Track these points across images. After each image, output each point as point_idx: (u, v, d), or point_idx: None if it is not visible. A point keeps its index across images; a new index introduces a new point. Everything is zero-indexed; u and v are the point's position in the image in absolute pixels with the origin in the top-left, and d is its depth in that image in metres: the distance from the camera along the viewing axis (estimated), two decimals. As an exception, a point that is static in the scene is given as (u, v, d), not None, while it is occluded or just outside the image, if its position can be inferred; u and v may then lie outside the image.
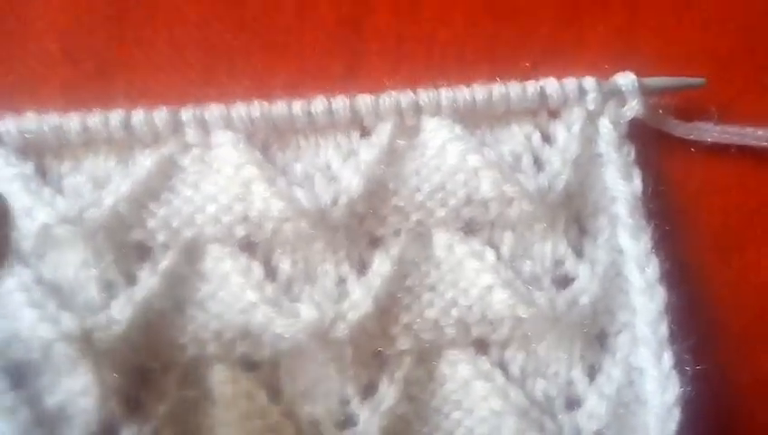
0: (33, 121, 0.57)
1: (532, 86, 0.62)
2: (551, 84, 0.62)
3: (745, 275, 0.63)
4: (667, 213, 0.62)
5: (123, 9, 0.64)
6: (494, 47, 0.66)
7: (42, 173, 0.58)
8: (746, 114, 0.64)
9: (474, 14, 0.66)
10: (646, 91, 0.63)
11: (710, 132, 0.64)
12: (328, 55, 0.64)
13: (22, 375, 0.55)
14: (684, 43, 0.66)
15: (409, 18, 0.66)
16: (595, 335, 0.61)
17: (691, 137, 0.64)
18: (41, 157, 0.59)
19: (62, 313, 0.54)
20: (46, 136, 0.58)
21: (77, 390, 0.54)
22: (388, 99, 0.60)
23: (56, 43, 0.63)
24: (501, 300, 0.58)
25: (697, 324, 0.59)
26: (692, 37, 0.66)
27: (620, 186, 0.61)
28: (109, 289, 0.56)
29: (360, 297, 0.56)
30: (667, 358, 0.57)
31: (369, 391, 0.57)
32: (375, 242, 0.60)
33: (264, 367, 0.57)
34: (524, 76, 0.62)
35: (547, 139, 0.63)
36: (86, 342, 0.53)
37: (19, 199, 0.56)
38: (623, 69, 0.63)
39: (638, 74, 0.62)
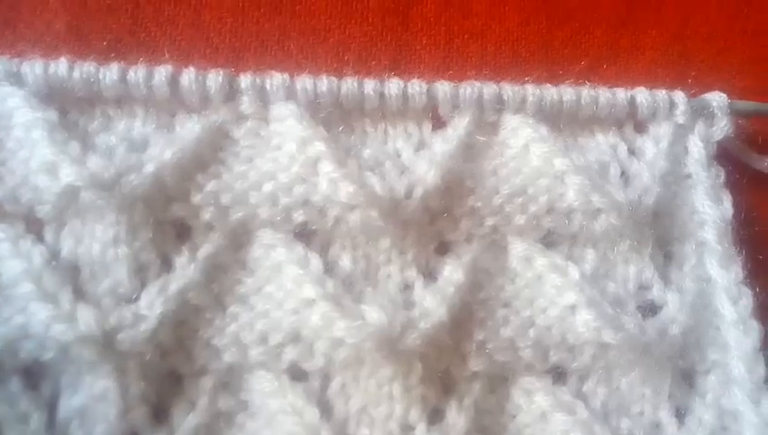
0: (64, 66, 0.56)
1: (622, 92, 0.64)
2: (641, 93, 0.65)
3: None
4: (759, 241, 0.65)
5: None
6: (549, 46, 0.70)
7: (66, 127, 0.55)
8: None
9: (527, 12, 0.70)
10: (734, 113, 0.67)
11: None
12: (372, 46, 0.66)
13: (35, 376, 0.51)
14: (735, 51, 0.71)
15: (460, 11, 0.69)
16: (683, 373, 0.61)
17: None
18: (66, 110, 0.57)
19: (80, 307, 0.51)
20: (75, 86, 0.56)
21: (96, 395, 0.51)
22: (470, 89, 0.61)
23: (63, 19, 0.62)
24: (585, 322, 0.58)
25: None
26: (742, 45, 0.71)
27: (709, 208, 0.63)
28: (140, 274, 0.54)
29: (433, 305, 0.56)
30: (767, 400, 0.58)
31: (435, 416, 0.55)
32: (445, 247, 0.60)
33: (313, 379, 0.55)
34: (580, 78, 0.66)
35: (633, 152, 0.65)
36: (108, 344, 0.51)
37: (39, 151, 0.53)
38: (677, 75, 0.68)
39: (693, 84, 0.66)
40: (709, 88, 0.68)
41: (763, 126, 0.70)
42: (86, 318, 0.50)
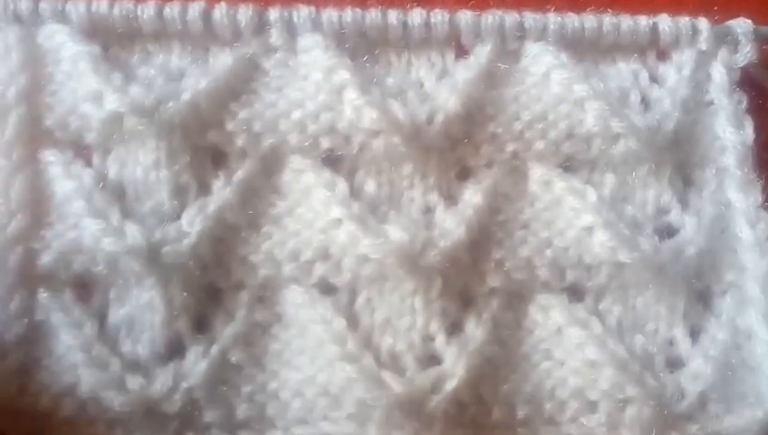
0: (105, 4, 0.61)
1: (644, 20, 0.66)
2: (663, 20, 0.66)
3: None
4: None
5: None
6: None
7: (108, 60, 0.60)
8: None
9: None
10: (758, 39, 0.67)
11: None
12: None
13: (86, 287, 0.57)
14: None
15: None
16: (699, 294, 0.64)
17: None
18: (108, 45, 0.61)
19: (128, 223, 0.57)
20: (116, 22, 0.61)
21: (143, 305, 0.57)
22: (491, 18, 0.64)
23: None
24: (601, 242, 0.61)
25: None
26: None
27: (731, 134, 0.65)
28: (180, 195, 0.59)
29: (452, 226, 0.59)
30: (781, 319, 0.61)
31: (454, 329, 0.60)
32: (466, 172, 0.64)
33: (341, 293, 0.60)
34: (602, 6, 0.66)
35: (655, 79, 0.67)
36: (153, 256, 0.56)
37: (85, 82, 0.58)
38: (703, 2, 0.68)
39: (720, 12, 0.67)
40: (735, 15, 0.68)
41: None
42: (133, 232, 0.56)
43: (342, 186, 0.60)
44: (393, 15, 0.64)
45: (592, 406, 0.60)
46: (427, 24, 0.63)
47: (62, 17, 0.61)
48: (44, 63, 0.60)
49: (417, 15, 0.64)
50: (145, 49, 0.62)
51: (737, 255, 0.64)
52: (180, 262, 0.57)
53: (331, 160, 0.62)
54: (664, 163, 0.65)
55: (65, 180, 0.58)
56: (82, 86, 0.58)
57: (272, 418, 0.59)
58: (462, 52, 0.66)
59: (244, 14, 0.62)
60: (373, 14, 0.63)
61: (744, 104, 0.67)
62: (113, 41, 0.62)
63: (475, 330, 0.60)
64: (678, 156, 0.66)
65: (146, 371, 0.57)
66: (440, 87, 0.63)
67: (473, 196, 0.62)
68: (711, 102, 0.67)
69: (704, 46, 0.66)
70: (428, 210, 0.62)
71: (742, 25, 0.68)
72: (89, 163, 0.60)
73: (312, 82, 0.61)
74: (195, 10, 0.61)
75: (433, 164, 0.62)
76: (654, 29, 0.66)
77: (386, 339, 0.59)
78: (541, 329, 0.62)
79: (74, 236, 0.57)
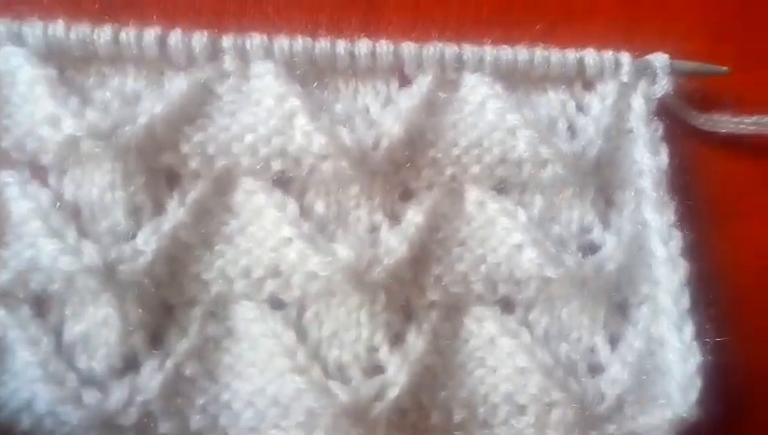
0: (61, 27, 0.63)
1: (572, 54, 0.73)
2: (589, 54, 0.73)
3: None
4: (690, 189, 0.75)
5: None
6: (508, 10, 0.76)
7: (64, 84, 0.63)
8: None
9: None
10: (674, 73, 0.75)
11: (724, 124, 0.77)
12: (344, 8, 0.73)
13: (43, 304, 0.60)
14: (683, 15, 0.79)
15: None
16: (618, 305, 0.72)
17: (706, 127, 0.76)
18: (63, 68, 0.64)
19: (84, 242, 0.60)
20: (72, 45, 0.64)
21: (99, 322, 0.60)
22: (432, 49, 0.70)
23: None
24: (530, 259, 0.68)
25: (719, 296, 0.71)
26: (690, 10, 0.79)
27: (648, 159, 0.72)
28: (135, 215, 0.62)
29: (396, 244, 0.65)
30: (689, 329, 0.69)
31: (397, 340, 0.66)
32: (408, 194, 0.69)
33: (290, 308, 0.65)
34: (536, 40, 0.73)
35: (581, 108, 0.74)
36: (109, 274, 0.60)
37: (42, 105, 0.61)
38: (628, 38, 0.75)
39: (643, 46, 0.74)
40: (657, 49, 0.76)
41: (703, 84, 0.78)
42: (90, 251, 0.59)
43: (293, 206, 0.65)
44: (341, 45, 0.68)
45: (522, 409, 0.66)
46: (372, 54, 0.69)
47: (18, 39, 0.63)
48: (0, 86, 0.62)
49: (363, 46, 0.69)
50: (100, 72, 0.65)
51: (652, 269, 0.71)
52: (136, 280, 0.60)
53: (282, 182, 0.66)
54: (588, 186, 0.72)
55: (22, 200, 0.60)
56: (39, 109, 0.61)
57: (224, 428, 0.63)
58: (405, 81, 0.71)
59: (199, 40, 0.66)
60: (323, 44, 0.68)
61: (660, 132, 0.74)
62: (69, 64, 0.64)
63: (416, 341, 0.65)
64: (601, 179, 0.73)
65: (102, 385, 0.60)
66: (385, 114, 0.68)
67: (414, 216, 0.67)
68: (630, 130, 0.74)
69: (625, 78, 0.73)
70: (374, 229, 0.67)
71: (659, 59, 0.75)
72: (45, 184, 0.62)
73: (264, 107, 0.65)
74: (150, 35, 0.65)
75: (378, 186, 0.67)
76: (581, 62, 0.73)
77: (333, 351, 0.64)
78: (475, 339, 0.68)
79: (31, 255, 0.60)
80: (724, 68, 0.77)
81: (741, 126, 0.77)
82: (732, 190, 0.77)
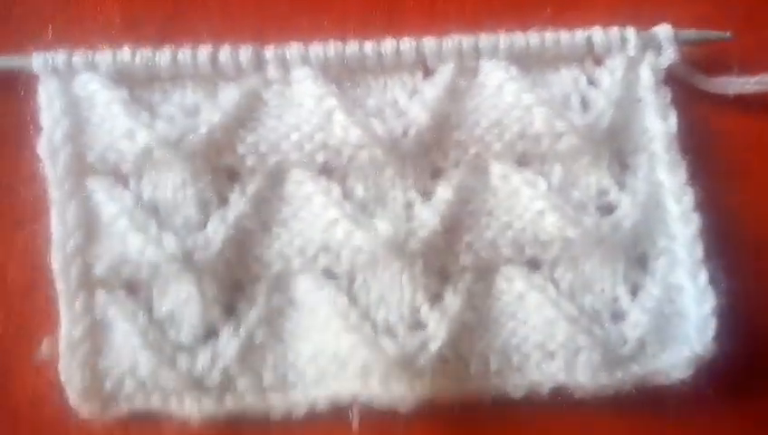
0: (127, 53, 0.75)
1: (580, 34, 0.81)
2: (596, 32, 0.81)
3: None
4: (702, 149, 0.82)
5: None
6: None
7: (135, 102, 0.75)
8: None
9: None
10: (679, 42, 0.82)
11: (731, 86, 0.83)
12: (368, 12, 0.83)
13: (134, 289, 0.73)
14: None
15: None
16: (636, 258, 0.79)
17: (713, 90, 0.83)
18: (132, 88, 0.76)
19: (164, 234, 0.72)
20: (137, 68, 0.76)
21: (182, 300, 0.72)
22: (451, 42, 0.79)
23: (118, 13, 0.80)
24: (552, 222, 0.76)
25: (729, 245, 0.78)
26: None
27: (658, 125, 0.80)
28: (204, 209, 0.74)
29: (429, 217, 0.75)
30: (703, 276, 0.76)
31: (436, 300, 0.75)
32: (438, 172, 0.78)
33: (341, 278, 0.75)
34: (546, 24, 0.80)
35: (592, 82, 0.82)
36: (187, 260, 0.71)
37: (119, 122, 0.73)
38: (634, 12, 0.81)
39: (648, 20, 0.80)
40: (663, 19, 0.82)
41: (710, 50, 0.85)
42: (170, 242, 0.71)
43: (336, 191, 0.75)
44: (369, 46, 0.78)
45: (552, 355, 0.75)
46: (397, 51, 0.78)
47: (92, 67, 0.76)
48: (81, 109, 0.74)
49: (388, 44, 0.78)
50: (163, 89, 0.76)
51: (667, 225, 0.78)
52: (209, 263, 0.72)
53: (326, 171, 0.76)
54: (602, 153, 0.80)
55: (109, 203, 0.73)
56: (117, 126, 0.73)
57: (293, 382, 0.74)
58: (428, 72, 0.80)
59: (245, 53, 0.76)
60: (352, 46, 0.78)
61: (669, 98, 0.80)
62: (136, 84, 0.76)
63: (453, 299, 0.75)
64: (615, 146, 0.80)
65: (190, 352, 0.73)
66: (412, 104, 0.78)
67: (444, 192, 0.77)
68: (640, 99, 0.81)
69: (632, 52, 0.80)
70: (409, 206, 0.77)
71: (663, 31, 0.82)
72: (127, 188, 0.74)
73: (305, 108, 0.76)
74: (203, 53, 0.76)
75: (410, 168, 0.77)
76: (589, 40, 0.81)
77: (380, 312, 0.74)
78: (506, 296, 0.77)
79: (121, 248, 0.73)
80: (728, 33, 0.82)
81: (746, 86, 0.83)
82: (739, 148, 0.83)
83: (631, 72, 0.80)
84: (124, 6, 0.80)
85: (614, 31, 0.80)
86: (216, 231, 0.72)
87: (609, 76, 0.80)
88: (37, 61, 0.74)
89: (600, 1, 0.85)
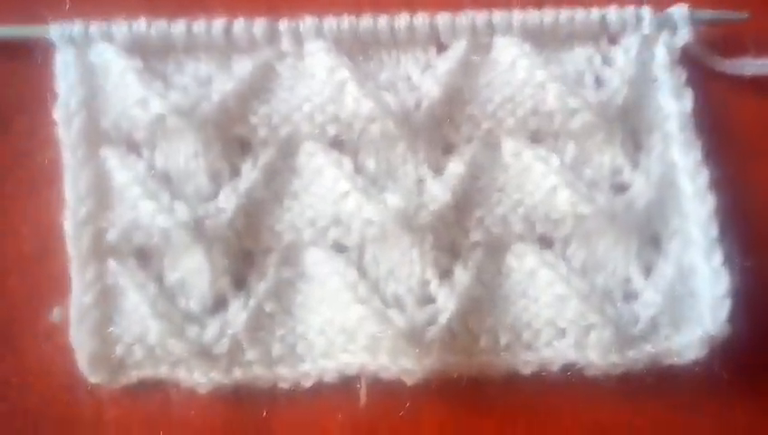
0: (143, 24, 0.76)
1: (595, 12, 0.81)
2: (611, 11, 0.81)
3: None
4: (715, 129, 0.82)
5: None
6: None
7: (149, 71, 0.76)
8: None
9: None
10: (695, 22, 0.82)
11: (747, 67, 0.83)
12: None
13: (145, 256, 0.73)
14: None
15: None
16: (650, 238, 0.79)
17: (728, 71, 0.83)
18: (147, 58, 0.77)
19: (176, 202, 0.72)
20: (152, 39, 0.76)
21: (192, 269, 0.73)
22: (465, 18, 0.79)
23: None
24: (564, 199, 0.76)
25: (743, 226, 0.78)
26: None
27: (673, 104, 0.79)
28: (216, 179, 0.75)
29: (439, 191, 0.75)
30: (718, 256, 0.76)
31: (445, 275, 0.75)
32: (450, 148, 0.79)
33: (352, 251, 0.76)
34: (562, 1, 0.80)
35: (607, 61, 0.82)
36: (198, 229, 0.72)
37: (132, 91, 0.74)
38: None
39: (669, 4, 0.80)
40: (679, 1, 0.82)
41: (726, 30, 0.85)
42: (181, 210, 0.72)
43: (348, 164, 0.75)
44: (383, 20, 0.79)
45: (562, 332, 0.75)
46: (411, 27, 0.79)
47: (108, 37, 0.77)
48: (96, 77, 0.76)
49: (402, 19, 0.79)
50: (177, 60, 0.77)
51: (681, 204, 0.78)
52: (220, 233, 0.73)
53: (337, 144, 0.77)
54: (616, 131, 0.80)
55: (122, 170, 0.73)
56: (130, 94, 0.74)
57: (301, 354, 0.74)
58: (442, 48, 0.80)
59: (259, 26, 0.77)
60: (366, 20, 0.79)
61: (684, 78, 0.81)
62: (151, 54, 0.77)
63: (463, 275, 0.75)
64: (629, 125, 0.80)
65: (199, 321, 0.73)
66: (424, 78, 0.78)
67: (456, 167, 0.77)
68: (655, 79, 0.81)
69: (647, 31, 0.81)
70: (420, 181, 0.77)
71: (679, 11, 0.82)
72: (140, 156, 0.75)
73: (318, 80, 0.76)
74: (217, 25, 0.77)
75: (421, 142, 0.77)
76: (603, 19, 0.81)
77: (390, 285, 0.75)
78: (517, 273, 0.77)
79: (133, 215, 0.73)
80: (744, 14, 0.83)
81: (762, 68, 0.83)
82: (755, 128, 0.83)
83: (646, 51, 0.80)
84: (140, -22, 0.80)
85: (629, 10, 0.80)
86: (228, 201, 0.73)
87: (624, 55, 0.80)
88: (54, 30, 0.75)
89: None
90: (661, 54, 0.80)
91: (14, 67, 0.78)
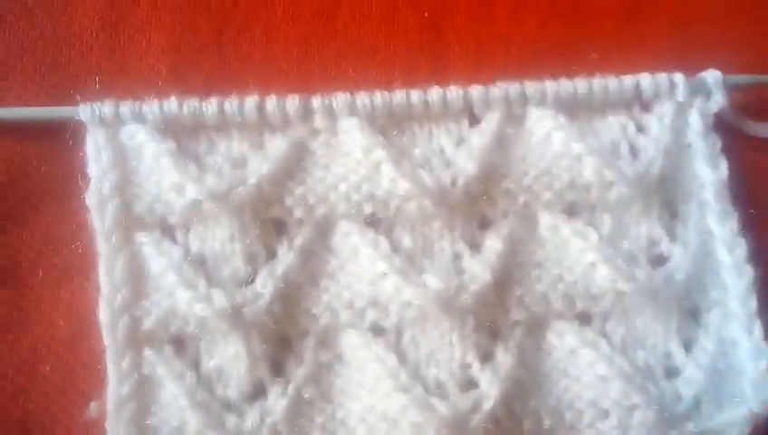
0: (174, 103, 0.75)
1: (628, 79, 0.81)
2: (644, 78, 0.81)
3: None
4: (752, 198, 0.81)
5: (222, 26, 0.81)
6: (564, 43, 0.85)
7: (182, 152, 0.75)
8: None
9: (544, 14, 0.86)
10: (728, 87, 0.82)
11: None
12: (414, 59, 0.83)
13: (181, 344, 0.73)
14: (734, 30, 0.85)
15: (485, 20, 0.85)
16: (689, 310, 0.79)
17: (763, 136, 0.83)
18: (178, 138, 0.76)
19: (213, 290, 0.71)
20: (184, 119, 0.76)
21: (230, 356, 0.72)
22: (498, 90, 0.79)
23: (164, 63, 0.80)
24: (603, 275, 0.76)
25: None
26: (741, 24, 0.85)
27: (708, 173, 0.79)
28: (252, 262, 0.74)
29: (479, 271, 0.74)
30: (758, 329, 0.75)
31: (487, 357, 0.75)
32: (486, 223, 0.78)
33: (389, 333, 0.75)
34: (593, 69, 0.80)
35: (641, 129, 0.81)
36: (236, 316, 0.71)
37: (167, 175, 0.73)
38: (681, 58, 0.82)
39: (697, 64, 0.81)
40: (711, 64, 0.82)
41: (759, 95, 0.85)
42: (219, 298, 0.71)
43: (384, 243, 0.75)
44: (415, 95, 0.78)
45: (605, 413, 0.74)
46: (444, 100, 0.78)
47: (139, 117, 0.76)
48: (128, 160, 0.74)
49: (435, 93, 0.78)
50: (209, 138, 0.77)
51: (720, 276, 0.78)
52: (258, 318, 0.72)
53: (372, 221, 0.76)
54: (652, 202, 0.79)
55: (158, 258, 0.73)
56: (165, 178, 0.73)
57: (342, 442, 0.73)
58: (474, 119, 0.80)
59: (292, 103, 0.76)
60: (399, 95, 0.78)
61: (719, 145, 0.80)
62: (182, 133, 0.76)
63: (504, 357, 0.74)
64: (664, 194, 0.79)
65: (237, 410, 0.72)
66: (459, 153, 0.77)
67: (494, 243, 0.76)
68: (689, 145, 0.81)
69: (680, 98, 0.80)
70: (456, 257, 0.77)
71: (712, 76, 0.82)
72: (174, 241, 0.74)
73: (353, 159, 0.75)
74: (251, 103, 0.76)
75: (458, 218, 0.77)
76: (637, 86, 0.81)
77: (431, 370, 0.74)
78: (557, 351, 0.76)
79: (169, 303, 0.72)
80: (779, 78, 0.82)
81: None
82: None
83: (680, 118, 0.80)
84: (170, 56, 0.80)
85: (662, 77, 0.80)
86: (265, 285, 0.72)
87: (658, 122, 0.80)
88: (84, 111, 0.74)
89: (647, 45, 0.86)
90: (695, 121, 0.80)
91: (43, 149, 0.77)
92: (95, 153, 0.74)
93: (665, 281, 0.76)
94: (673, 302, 0.77)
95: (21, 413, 0.73)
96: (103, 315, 0.71)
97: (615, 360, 0.74)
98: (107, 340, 0.71)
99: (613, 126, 0.80)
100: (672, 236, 0.79)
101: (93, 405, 0.70)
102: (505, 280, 0.75)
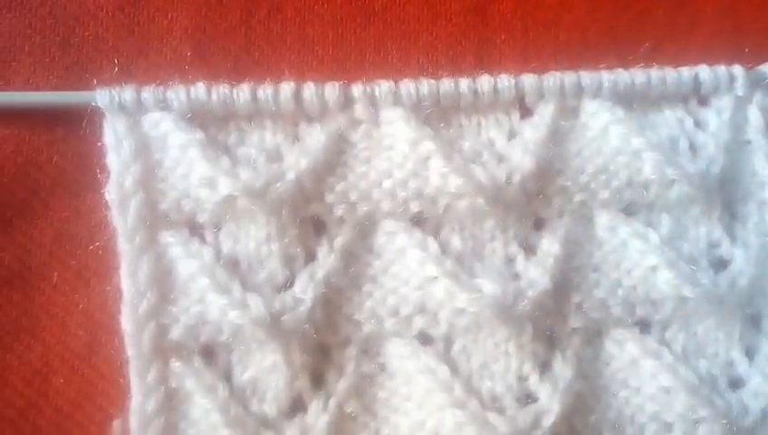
0: (202, 90, 0.69)
1: (686, 71, 0.76)
2: (703, 70, 0.76)
3: None
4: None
5: (252, 6, 0.75)
6: (615, 31, 0.80)
7: (211, 144, 0.68)
8: None
9: (593, 0, 0.80)
10: (788, 81, 0.78)
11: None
12: (457, 44, 0.77)
13: (211, 354, 0.66)
14: None
15: (533, 5, 0.79)
16: (751, 317, 0.74)
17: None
18: (205, 127, 0.69)
19: (249, 295, 0.65)
20: (213, 106, 0.69)
21: (267, 368, 0.66)
22: (552, 79, 0.73)
23: (188, 45, 0.74)
24: (666, 280, 0.71)
25: None
26: None
27: (768, 171, 0.75)
28: (289, 264, 0.67)
29: (537, 276, 0.69)
30: (826, 337, 0.71)
31: (544, 368, 0.69)
32: (540, 223, 0.73)
33: (437, 342, 0.69)
34: (644, 59, 0.76)
35: (699, 124, 0.77)
36: (275, 324, 0.65)
37: (197, 168, 0.67)
38: (734, 48, 0.77)
39: (750, 54, 0.76)
40: (765, 57, 0.78)
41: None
42: (256, 304, 0.64)
43: (434, 245, 0.69)
44: (464, 84, 0.72)
45: (669, 427, 0.70)
46: (495, 89, 0.72)
47: (163, 104, 0.69)
48: (152, 151, 0.67)
49: (485, 82, 0.73)
50: (239, 128, 0.70)
51: (782, 280, 0.74)
52: (298, 327, 0.65)
53: (418, 220, 0.70)
54: (713, 202, 0.75)
55: (186, 259, 0.66)
56: (194, 172, 0.66)
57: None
58: (525, 111, 0.74)
59: (331, 91, 0.70)
60: (446, 84, 0.72)
61: (781, 143, 0.76)
62: (210, 123, 0.69)
63: (563, 368, 0.69)
64: (724, 194, 0.75)
65: (275, 427, 0.66)
66: (512, 147, 0.72)
67: (550, 245, 0.71)
68: (749, 142, 0.76)
69: (740, 91, 0.76)
70: (509, 260, 0.71)
71: (772, 68, 0.78)
72: (203, 241, 0.68)
73: (398, 152, 0.69)
74: (287, 91, 0.69)
75: (512, 218, 0.71)
76: (695, 79, 0.76)
77: (485, 382, 0.68)
78: (616, 361, 0.71)
79: (199, 309, 0.66)
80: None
81: None
82: None
83: (739, 113, 0.76)
84: (194, 38, 0.73)
85: (722, 69, 0.75)
86: (305, 290, 0.66)
87: (717, 117, 0.75)
88: (102, 97, 0.67)
89: (699, 34, 0.81)
90: (755, 116, 0.76)
91: (55, 137, 0.70)
92: (115, 143, 0.67)
93: (729, 286, 0.72)
94: (736, 308, 0.72)
95: (32, 430, 0.67)
96: (126, 323, 0.64)
97: (679, 370, 0.70)
98: (130, 350, 0.64)
99: (670, 120, 0.75)
100: (732, 238, 0.75)
101: (116, 423, 0.63)
102: (563, 285, 0.70)
